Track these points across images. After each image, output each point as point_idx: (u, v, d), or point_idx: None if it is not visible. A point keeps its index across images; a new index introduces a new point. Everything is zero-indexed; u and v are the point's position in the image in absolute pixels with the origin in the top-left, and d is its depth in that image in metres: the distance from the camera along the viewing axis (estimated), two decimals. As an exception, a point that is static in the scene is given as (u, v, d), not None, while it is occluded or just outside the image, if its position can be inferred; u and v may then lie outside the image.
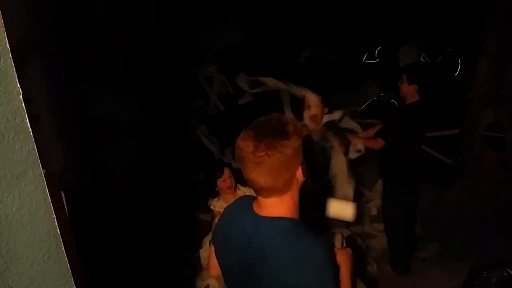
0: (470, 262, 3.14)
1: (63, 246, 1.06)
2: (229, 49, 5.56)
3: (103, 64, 3.40)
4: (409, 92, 3.22)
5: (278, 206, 1.39)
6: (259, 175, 1.32)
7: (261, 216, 1.41)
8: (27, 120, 0.99)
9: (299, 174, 1.40)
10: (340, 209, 1.91)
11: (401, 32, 5.77)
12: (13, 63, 0.94)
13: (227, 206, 1.60)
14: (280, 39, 5.77)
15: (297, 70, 5.87)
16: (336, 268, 1.44)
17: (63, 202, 1.49)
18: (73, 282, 1.10)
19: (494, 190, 4.02)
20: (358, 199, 3.42)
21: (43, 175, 1.01)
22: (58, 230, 1.05)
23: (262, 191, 1.37)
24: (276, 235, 1.36)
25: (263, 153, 1.29)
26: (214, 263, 1.62)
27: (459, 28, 5.08)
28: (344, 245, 1.73)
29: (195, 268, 3.19)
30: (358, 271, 2.98)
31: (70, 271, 1.09)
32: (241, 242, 1.42)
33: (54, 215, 1.04)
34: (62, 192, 1.49)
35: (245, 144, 1.33)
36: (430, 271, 3.26)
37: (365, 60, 5.93)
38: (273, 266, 1.33)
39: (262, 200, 1.41)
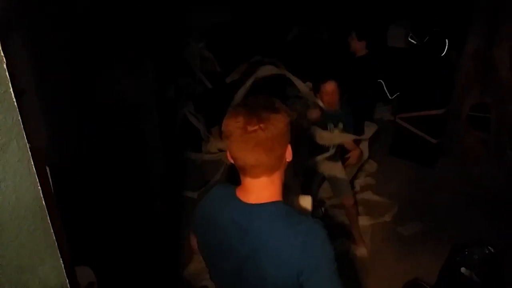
0: (452, 240, 3.20)
1: (48, 217, 1.05)
2: (217, 26, 5.50)
3: (88, 39, 3.34)
4: (359, 47, 4.15)
5: (268, 187, 1.35)
6: (251, 151, 1.27)
7: (250, 203, 1.35)
8: (11, 90, 0.97)
9: (288, 153, 1.37)
10: (301, 200, 1.93)
11: (389, 12, 5.75)
12: None
13: (203, 200, 1.51)
14: (268, 16, 5.72)
15: (285, 48, 5.84)
16: None
17: (48, 176, 1.47)
18: (59, 254, 1.10)
19: (477, 169, 4.08)
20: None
21: (27, 146, 0.99)
22: (43, 202, 1.04)
23: (253, 169, 1.32)
24: (273, 221, 1.32)
25: (256, 127, 1.25)
26: (194, 239, 1.58)
27: (447, 7, 5.07)
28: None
29: (182, 243, 3.21)
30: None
31: (57, 244, 1.09)
32: (232, 235, 1.36)
33: (40, 187, 1.03)
34: (47, 167, 1.48)
35: (234, 120, 1.28)
36: (413, 248, 3.31)
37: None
38: (277, 253, 1.28)
39: (251, 182, 1.35)
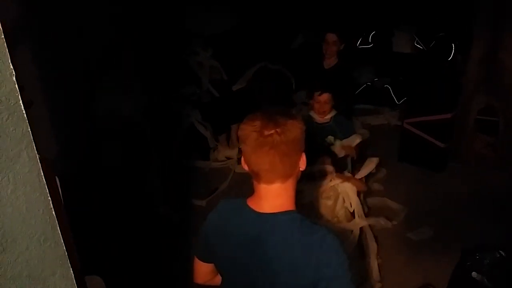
0: (462, 245, 3.17)
1: (58, 228, 1.06)
2: (222, 34, 5.52)
3: (95, 51, 3.38)
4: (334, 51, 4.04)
5: (281, 195, 1.35)
6: (266, 155, 1.29)
7: (264, 213, 1.35)
8: (21, 102, 0.98)
9: (302, 161, 1.37)
10: None
11: (394, 17, 5.76)
12: (5, 44, 0.93)
13: (211, 214, 1.50)
14: (273, 24, 5.73)
15: (290, 56, 5.86)
16: None
17: (57, 186, 1.49)
18: (70, 265, 1.10)
19: (485, 173, 4.06)
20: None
21: (37, 157, 1.01)
22: (53, 212, 1.05)
23: (267, 174, 1.32)
24: (287, 231, 1.32)
25: (272, 131, 1.27)
26: (201, 268, 1.57)
27: (453, 12, 5.07)
28: None
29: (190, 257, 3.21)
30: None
31: (67, 254, 1.10)
32: (244, 245, 1.35)
33: (49, 197, 1.04)
34: (56, 177, 1.49)
35: (251, 124, 1.30)
36: (422, 253, 3.29)
37: (359, 45, 5.91)
38: (292, 263, 1.29)
39: (264, 189, 1.35)
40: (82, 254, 1.43)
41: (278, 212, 1.34)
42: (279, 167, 1.31)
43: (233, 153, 4.56)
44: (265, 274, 1.32)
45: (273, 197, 1.35)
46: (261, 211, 1.35)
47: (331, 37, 3.94)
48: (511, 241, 2.90)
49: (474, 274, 2.74)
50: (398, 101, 5.39)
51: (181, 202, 3.86)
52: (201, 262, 1.56)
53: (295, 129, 1.31)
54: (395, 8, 5.68)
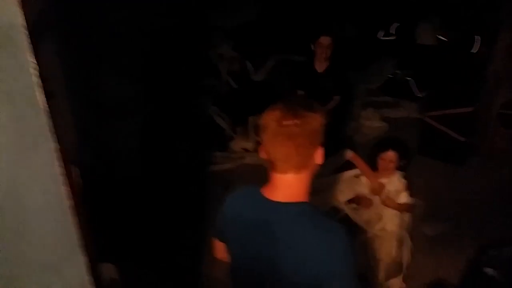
0: (478, 241, 3.15)
1: (73, 218, 1.11)
2: (243, 26, 5.53)
3: (115, 43, 3.42)
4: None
5: (295, 185, 1.37)
6: (282, 145, 1.31)
7: (276, 201, 1.37)
8: (41, 94, 1.02)
9: (319, 154, 1.38)
10: None
11: (419, 8, 5.66)
12: (28, 37, 0.96)
13: (228, 198, 1.54)
14: (294, 16, 5.70)
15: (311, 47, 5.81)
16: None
17: (76, 176, 1.53)
18: (83, 253, 1.15)
19: (506, 168, 3.99)
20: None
21: (55, 148, 1.05)
22: (68, 203, 1.09)
23: (281, 164, 1.34)
24: (298, 221, 1.33)
25: (290, 121, 1.29)
26: (218, 246, 1.61)
27: (478, 4, 4.96)
28: None
29: (207, 243, 3.25)
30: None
31: (80, 243, 1.14)
32: (256, 234, 1.38)
33: (66, 188, 1.08)
34: (75, 167, 1.54)
35: (272, 113, 1.33)
36: (437, 248, 3.27)
37: (383, 37, 5.84)
38: (299, 253, 1.30)
39: (278, 178, 1.37)
40: (97, 242, 1.49)
41: (290, 202, 1.36)
42: (294, 158, 1.33)
43: (250, 145, 4.58)
44: (270, 261, 1.35)
45: (286, 187, 1.37)
46: (274, 199, 1.38)
47: (326, 40, 3.84)
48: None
49: (487, 269, 2.72)
50: (419, 94, 5.31)
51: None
52: (217, 241, 1.62)
53: (314, 122, 1.32)
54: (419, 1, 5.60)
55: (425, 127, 4.55)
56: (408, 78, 5.46)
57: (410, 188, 3.06)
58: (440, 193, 3.86)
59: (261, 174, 1.46)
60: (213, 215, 1.59)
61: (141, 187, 3.45)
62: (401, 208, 3.03)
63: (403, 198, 3.01)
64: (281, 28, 5.53)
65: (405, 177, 3.08)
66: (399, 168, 3.09)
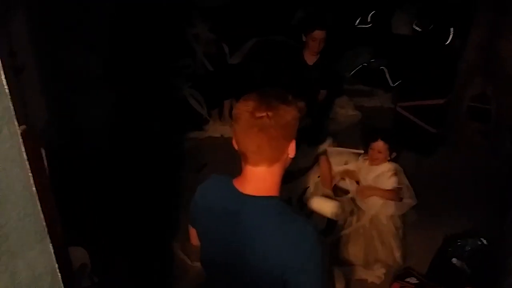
0: (447, 230, 3.22)
1: (39, 203, 1.06)
2: (221, 7, 5.44)
3: (86, 16, 3.32)
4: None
5: (266, 179, 1.36)
6: (255, 137, 1.29)
7: (247, 194, 1.36)
8: (2, 77, 0.97)
9: (292, 148, 1.37)
10: (323, 205, 1.93)
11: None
12: None
13: (200, 186, 1.53)
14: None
15: (289, 32, 5.79)
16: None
17: (42, 159, 1.48)
18: (50, 239, 1.11)
19: (476, 160, 4.08)
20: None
21: (19, 132, 1.00)
22: (34, 188, 1.05)
23: (253, 156, 1.33)
24: (266, 215, 1.33)
25: (263, 114, 1.27)
26: (193, 232, 1.60)
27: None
28: None
29: (178, 228, 3.24)
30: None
31: (46, 229, 1.10)
32: (224, 224, 1.38)
33: (30, 173, 1.04)
34: (42, 149, 1.48)
35: (245, 103, 1.31)
36: (406, 237, 3.33)
37: (358, 24, 5.85)
38: (264, 248, 1.30)
39: (250, 170, 1.36)
40: (66, 225, 1.45)
41: (260, 196, 1.35)
42: (266, 150, 1.32)
43: (225, 129, 4.56)
44: (238, 252, 1.35)
45: (258, 180, 1.36)
46: (244, 192, 1.37)
47: (320, 34, 3.72)
48: (497, 227, 2.94)
49: (454, 260, 2.80)
50: (393, 84, 5.37)
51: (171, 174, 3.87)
52: (191, 227, 1.61)
53: (287, 115, 1.30)
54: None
55: (397, 117, 4.61)
56: (382, 68, 5.50)
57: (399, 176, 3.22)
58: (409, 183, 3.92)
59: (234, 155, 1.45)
60: (185, 198, 1.58)
61: (112, 167, 3.39)
62: (385, 195, 3.17)
63: (390, 183, 3.16)
64: (259, 9, 5.46)
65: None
66: (389, 159, 3.24)
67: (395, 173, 3.17)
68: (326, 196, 3.07)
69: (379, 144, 3.17)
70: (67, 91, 3.25)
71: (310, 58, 3.89)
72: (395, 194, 3.19)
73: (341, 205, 2.81)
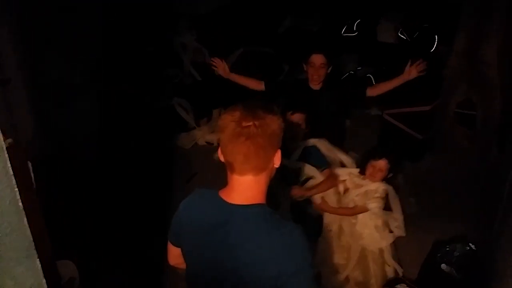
0: (435, 236, 3.24)
1: (26, 218, 1.06)
2: (208, 16, 5.46)
3: (73, 25, 3.31)
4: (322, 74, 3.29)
5: (253, 188, 1.37)
6: (241, 147, 1.30)
7: (234, 204, 1.37)
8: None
9: (277, 157, 1.39)
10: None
11: (380, 6, 5.76)
12: None
13: (184, 202, 1.52)
14: (260, 6, 5.69)
15: (276, 40, 5.83)
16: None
17: (29, 173, 1.47)
18: (37, 254, 1.10)
19: (462, 166, 4.12)
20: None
21: (4, 148, 0.99)
22: (20, 203, 1.04)
23: (240, 166, 1.34)
24: (254, 223, 1.34)
25: (250, 123, 1.29)
26: (173, 251, 1.59)
27: (438, 3, 5.09)
28: None
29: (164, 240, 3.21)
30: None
31: (34, 244, 1.09)
32: (213, 237, 1.37)
33: (16, 188, 1.03)
34: (29, 162, 1.47)
35: (231, 113, 1.33)
36: (396, 243, 3.34)
37: (344, 33, 5.91)
38: (256, 256, 1.31)
39: (237, 180, 1.37)
40: (55, 238, 1.43)
41: (248, 204, 1.36)
42: (253, 160, 1.33)
43: (214, 137, 4.55)
44: (228, 263, 1.35)
45: (244, 189, 1.37)
46: (231, 202, 1.37)
47: (318, 59, 3.21)
48: (485, 232, 2.96)
49: (443, 266, 2.81)
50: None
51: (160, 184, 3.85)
52: (172, 245, 1.60)
53: (273, 124, 1.33)
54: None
55: (384, 124, 4.64)
56: (369, 75, 5.55)
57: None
58: (396, 188, 3.94)
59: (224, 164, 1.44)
60: (175, 210, 1.57)
61: (100, 179, 3.37)
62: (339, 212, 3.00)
63: (371, 205, 2.92)
64: (247, 19, 5.50)
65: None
66: (385, 179, 3.00)
67: (382, 198, 2.95)
68: None
69: (381, 163, 2.93)
70: (53, 103, 3.23)
71: (315, 85, 3.37)
72: (353, 212, 2.99)
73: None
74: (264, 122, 1.31)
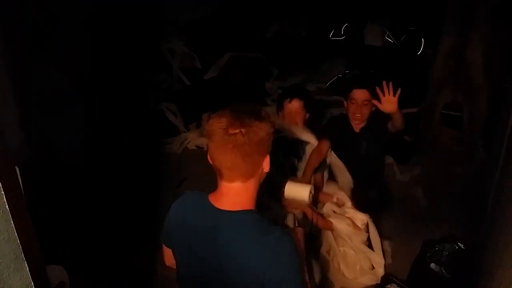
0: (424, 236, 3.26)
1: (13, 223, 1.05)
2: (196, 22, 5.47)
3: (59, 31, 3.30)
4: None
5: (242, 194, 1.37)
6: (229, 154, 1.30)
7: (222, 210, 1.37)
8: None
9: (266, 163, 1.39)
10: (296, 190, 1.92)
11: (367, 9, 5.81)
12: None
13: (175, 204, 1.53)
14: (248, 13, 5.72)
15: (265, 45, 5.86)
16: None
17: (17, 177, 1.46)
18: (24, 258, 1.10)
19: (450, 166, 4.16)
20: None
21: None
22: (7, 207, 1.04)
23: (228, 172, 1.35)
24: (242, 229, 1.34)
25: (237, 130, 1.28)
26: (167, 252, 1.60)
27: (424, 6, 5.16)
28: (296, 224, 1.77)
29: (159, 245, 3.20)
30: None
31: (22, 248, 1.09)
32: (202, 241, 1.38)
33: (3, 192, 1.03)
34: (16, 167, 1.46)
35: (219, 120, 1.32)
36: (382, 244, 3.36)
37: (332, 37, 5.96)
38: (243, 262, 1.31)
39: (225, 186, 1.38)
40: (44, 243, 1.42)
41: (237, 210, 1.36)
42: (241, 167, 1.34)
43: (204, 141, 4.55)
44: (216, 269, 1.35)
45: (233, 195, 1.38)
46: (220, 207, 1.38)
47: (361, 95, 2.91)
48: (473, 233, 2.99)
49: (433, 265, 2.83)
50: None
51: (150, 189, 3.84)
52: (165, 246, 1.60)
53: (260, 131, 1.32)
54: (368, 0, 5.75)
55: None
56: (357, 79, 5.59)
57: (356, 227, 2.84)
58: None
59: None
60: (165, 214, 1.57)
61: (89, 184, 3.35)
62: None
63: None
64: (235, 24, 5.52)
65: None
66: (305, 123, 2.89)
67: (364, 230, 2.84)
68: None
69: (296, 103, 2.80)
70: (41, 108, 3.21)
71: (357, 126, 3.08)
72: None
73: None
74: (251, 129, 1.30)
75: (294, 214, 1.88)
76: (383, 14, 5.71)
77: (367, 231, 2.88)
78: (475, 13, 3.90)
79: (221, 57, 5.32)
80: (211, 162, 1.40)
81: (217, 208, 1.38)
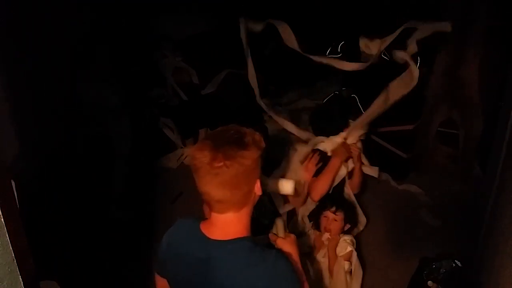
0: (420, 254, 3.24)
1: (7, 235, 1.04)
2: (193, 38, 5.51)
3: (58, 48, 3.31)
4: None
5: (234, 224, 1.34)
6: (216, 188, 1.26)
7: (214, 240, 1.33)
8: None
9: (257, 187, 1.35)
10: (281, 184, 1.89)
11: (364, 28, 5.86)
12: None
13: (167, 233, 1.49)
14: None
15: (263, 62, 5.88)
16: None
17: (12, 190, 1.45)
18: (19, 271, 1.09)
19: (446, 184, 4.17)
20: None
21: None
22: (2, 220, 1.03)
23: (218, 205, 1.31)
24: (236, 258, 1.31)
25: (221, 164, 1.23)
26: (160, 282, 1.56)
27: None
28: (287, 231, 1.74)
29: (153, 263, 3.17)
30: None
31: (16, 261, 1.08)
32: (195, 272, 1.34)
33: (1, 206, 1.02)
34: (12, 181, 1.46)
35: (201, 154, 1.26)
36: (381, 261, 3.35)
37: (328, 54, 6.00)
38: None
39: (216, 217, 1.34)
40: (38, 258, 1.41)
41: (229, 240, 1.33)
42: (230, 199, 1.30)
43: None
44: None
45: (225, 225, 1.34)
46: (212, 237, 1.35)
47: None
48: (469, 250, 2.98)
49: (430, 283, 2.82)
50: (364, 111, 5.47)
51: (142, 204, 3.82)
52: (158, 276, 1.56)
53: (245, 161, 1.26)
54: (363, 19, 5.80)
55: (368, 143, 4.68)
56: (354, 95, 5.61)
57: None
58: (381, 206, 3.96)
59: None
60: (161, 231, 1.55)
61: (85, 198, 3.33)
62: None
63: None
64: (232, 40, 5.55)
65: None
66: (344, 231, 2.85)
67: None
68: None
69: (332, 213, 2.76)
70: (37, 122, 3.21)
71: None
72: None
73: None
74: (236, 160, 1.24)
75: (284, 221, 1.82)
76: (379, 32, 5.75)
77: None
78: (470, 33, 3.95)
79: (218, 73, 5.34)
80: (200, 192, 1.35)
81: (209, 238, 1.34)
